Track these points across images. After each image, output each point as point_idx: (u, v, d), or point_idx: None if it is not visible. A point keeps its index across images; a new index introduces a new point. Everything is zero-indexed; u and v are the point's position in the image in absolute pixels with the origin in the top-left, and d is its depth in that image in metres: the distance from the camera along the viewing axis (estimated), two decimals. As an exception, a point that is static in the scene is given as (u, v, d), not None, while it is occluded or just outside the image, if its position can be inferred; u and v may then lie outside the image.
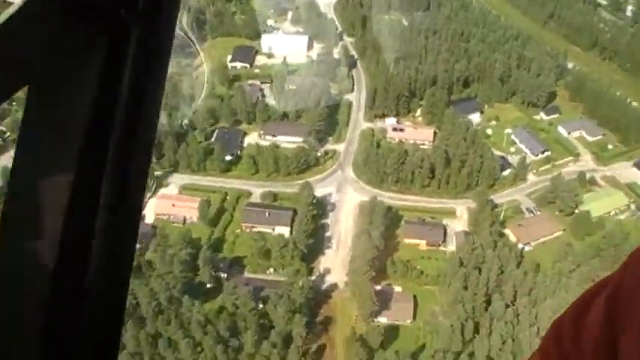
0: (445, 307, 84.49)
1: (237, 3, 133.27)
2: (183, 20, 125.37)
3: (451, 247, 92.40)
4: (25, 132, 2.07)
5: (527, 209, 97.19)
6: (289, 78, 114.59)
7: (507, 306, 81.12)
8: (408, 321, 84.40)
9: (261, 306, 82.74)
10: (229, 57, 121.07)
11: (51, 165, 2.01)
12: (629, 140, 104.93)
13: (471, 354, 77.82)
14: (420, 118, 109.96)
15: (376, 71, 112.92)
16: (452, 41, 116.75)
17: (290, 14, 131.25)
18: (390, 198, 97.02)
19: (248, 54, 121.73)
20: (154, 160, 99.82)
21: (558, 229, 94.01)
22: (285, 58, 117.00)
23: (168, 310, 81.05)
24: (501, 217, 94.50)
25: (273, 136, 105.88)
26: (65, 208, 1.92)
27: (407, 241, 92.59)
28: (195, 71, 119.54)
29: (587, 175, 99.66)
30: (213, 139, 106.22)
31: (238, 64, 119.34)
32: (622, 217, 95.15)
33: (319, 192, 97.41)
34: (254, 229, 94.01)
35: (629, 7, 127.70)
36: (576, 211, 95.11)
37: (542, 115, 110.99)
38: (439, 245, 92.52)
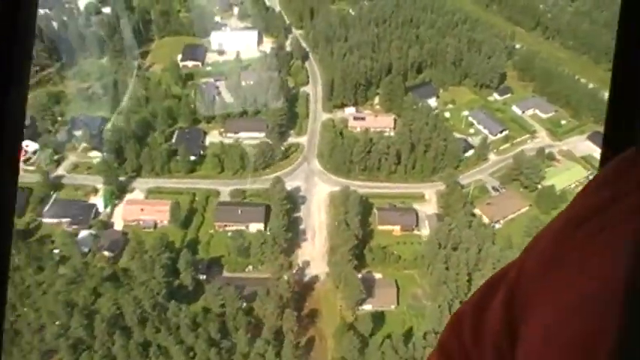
0: (427, 290, 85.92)
1: (182, 1, 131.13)
2: (127, 21, 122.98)
3: (424, 230, 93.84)
4: None
5: (493, 188, 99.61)
6: (243, 74, 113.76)
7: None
8: (393, 306, 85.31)
9: (246, 304, 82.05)
10: (179, 56, 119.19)
11: None
12: (580, 115, 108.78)
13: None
14: (378, 106, 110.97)
15: (331, 62, 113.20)
16: (402, 28, 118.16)
17: (236, 9, 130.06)
18: (358, 187, 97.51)
19: (198, 52, 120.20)
20: (116, 165, 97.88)
21: (524, 204, 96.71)
22: (238, 54, 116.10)
23: (154, 317, 79.48)
24: (469, 198, 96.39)
25: (235, 133, 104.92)
26: None
27: (381, 227, 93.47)
28: (146, 72, 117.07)
29: (546, 151, 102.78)
30: (174, 140, 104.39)
31: (190, 63, 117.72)
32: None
33: (287, 185, 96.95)
34: (227, 228, 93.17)
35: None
36: (539, 186, 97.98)
37: (496, 96, 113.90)
38: (413, 230, 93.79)
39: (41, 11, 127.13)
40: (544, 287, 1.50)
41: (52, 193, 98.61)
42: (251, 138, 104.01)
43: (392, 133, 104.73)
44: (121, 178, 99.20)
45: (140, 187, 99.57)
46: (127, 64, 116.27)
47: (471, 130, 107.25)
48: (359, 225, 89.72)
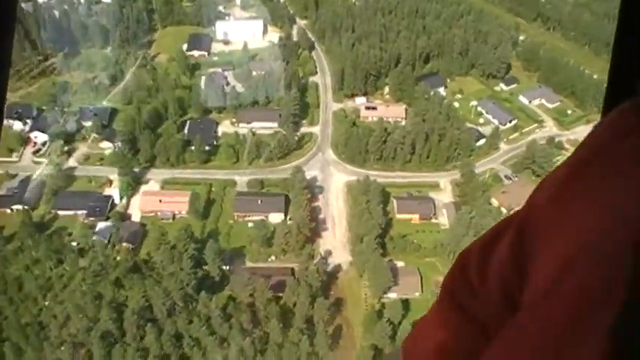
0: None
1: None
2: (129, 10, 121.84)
3: (442, 219, 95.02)
4: None
5: (506, 176, 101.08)
6: (252, 64, 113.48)
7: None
8: (417, 294, 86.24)
9: (274, 294, 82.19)
10: (185, 45, 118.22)
11: None
12: (585, 105, 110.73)
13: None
14: (387, 96, 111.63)
15: (339, 52, 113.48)
16: (409, 18, 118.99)
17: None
18: (374, 176, 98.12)
19: (204, 42, 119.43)
20: (129, 156, 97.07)
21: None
22: (245, 44, 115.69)
23: (184, 309, 79.34)
24: (485, 186, 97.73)
25: (247, 123, 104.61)
26: None
27: (399, 216, 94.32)
28: (151, 62, 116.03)
29: (555, 140, 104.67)
30: (186, 131, 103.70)
31: (196, 53, 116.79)
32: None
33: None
34: (247, 218, 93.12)
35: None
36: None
37: (502, 86, 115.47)
38: (431, 218, 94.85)
39: (40, 0, 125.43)
40: (555, 221, 1.49)
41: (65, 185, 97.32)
42: (264, 128, 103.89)
43: (403, 123, 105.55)
44: (135, 169, 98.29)
45: (155, 178, 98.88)
46: (133, 54, 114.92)
47: (481, 120, 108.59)
48: (376, 214, 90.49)
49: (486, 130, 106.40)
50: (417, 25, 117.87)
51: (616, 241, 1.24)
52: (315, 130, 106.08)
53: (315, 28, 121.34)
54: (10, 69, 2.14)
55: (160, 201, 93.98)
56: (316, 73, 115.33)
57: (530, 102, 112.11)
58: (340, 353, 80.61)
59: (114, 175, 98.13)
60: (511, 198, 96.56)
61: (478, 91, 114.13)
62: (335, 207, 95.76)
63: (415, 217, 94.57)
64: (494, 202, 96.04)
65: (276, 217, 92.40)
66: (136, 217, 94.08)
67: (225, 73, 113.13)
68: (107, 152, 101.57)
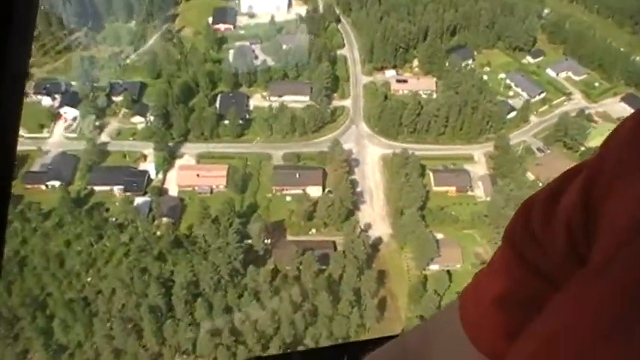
0: (489, 249, 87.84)
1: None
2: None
3: (478, 191, 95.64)
4: None
5: (538, 149, 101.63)
6: (279, 37, 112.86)
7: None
8: (458, 265, 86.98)
9: (320, 267, 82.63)
10: (210, 19, 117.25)
11: None
12: (611, 77, 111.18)
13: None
14: (417, 69, 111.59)
15: (366, 25, 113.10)
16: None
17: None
18: (409, 149, 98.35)
19: (229, 15, 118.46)
20: (163, 130, 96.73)
21: (571, 165, 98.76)
22: (272, 17, 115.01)
23: (231, 283, 79.69)
24: (519, 159, 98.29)
25: (279, 96, 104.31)
26: None
27: (436, 189, 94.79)
28: (177, 35, 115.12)
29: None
30: (217, 105, 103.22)
31: (221, 26, 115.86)
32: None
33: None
34: (285, 192, 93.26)
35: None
36: (582, 147, 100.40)
37: (529, 59, 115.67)
38: (467, 190, 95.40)
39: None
40: (628, 170, 1.41)
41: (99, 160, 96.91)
42: (296, 101, 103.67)
43: (434, 96, 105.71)
44: (169, 144, 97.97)
45: (190, 153, 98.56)
46: (158, 28, 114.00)
47: (510, 93, 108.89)
48: (414, 186, 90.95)
49: (516, 102, 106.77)
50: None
51: None
52: (347, 103, 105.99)
53: (341, 1, 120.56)
54: (32, 46, 2.07)
55: (198, 175, 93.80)
56: (344, 46, 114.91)
57: (557, 74, 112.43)
58: (386, 324, 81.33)
59: (148, 150, 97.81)
60: (545, 170, 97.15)
61: (505, 63, 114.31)
62: (372, 180, 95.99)
63: (452, 190, 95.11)
64: (529, 174, 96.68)
65: (314, 191, 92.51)
66: (173, 191, 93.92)
67: (253, 46, 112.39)
68: (139, 127, 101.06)
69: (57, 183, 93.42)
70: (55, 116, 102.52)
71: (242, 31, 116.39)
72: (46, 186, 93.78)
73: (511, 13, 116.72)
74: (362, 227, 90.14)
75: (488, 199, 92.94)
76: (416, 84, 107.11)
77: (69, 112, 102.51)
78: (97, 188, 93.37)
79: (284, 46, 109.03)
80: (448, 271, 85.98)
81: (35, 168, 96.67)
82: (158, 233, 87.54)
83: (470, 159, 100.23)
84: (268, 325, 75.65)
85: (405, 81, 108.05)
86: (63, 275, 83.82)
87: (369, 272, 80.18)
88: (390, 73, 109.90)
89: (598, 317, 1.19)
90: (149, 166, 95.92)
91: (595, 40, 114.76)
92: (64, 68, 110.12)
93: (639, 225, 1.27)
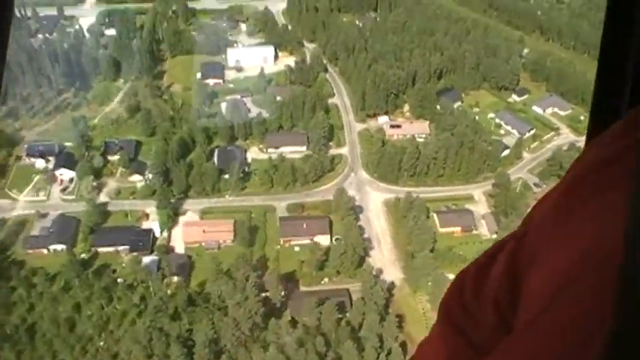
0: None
1: (186, 20, 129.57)
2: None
3: (482, 230, 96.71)
4: None
5: (535, 184, 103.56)
6: (270, 89, 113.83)
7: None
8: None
9: (340, 315, 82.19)
10: (199, 74, 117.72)
11: None
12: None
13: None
14: (408, 113, 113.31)
15: (356, 73, 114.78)
16: (419, 37, 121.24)
17: (244, 26, 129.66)
18: (411, 192, 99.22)
19: (217, 69, 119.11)
20: (164, 187, 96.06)
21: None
22: (262, 70, 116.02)
23: (251, 338, 78.70)
24: (519, 195, 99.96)
25: (276, 148, 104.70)
26: None
27: (442, 230, 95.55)
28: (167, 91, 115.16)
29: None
30: (215, 159, 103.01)
31: (210, 81, 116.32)
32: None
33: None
34: (292, 242, 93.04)
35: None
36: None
37: (515, 97, 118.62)
38: (472, 230, 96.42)
39: (40, 36, 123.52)
40: (550, 237, 1.52)
41: (100, 221, 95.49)
42: (293, 152, 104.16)
43: (428, 138, 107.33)
44: (171, 201, 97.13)
45: (192, 209, 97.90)
46: (148, 85, 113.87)
47: (501, 131, 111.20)
48: (420, 229, 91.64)
49: (507, 140, 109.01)
50: (428, 42, 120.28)
51: (595, 267, 1.25)
52: (344, 151, 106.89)
53: (327, 51, 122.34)
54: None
55: (204, 231, 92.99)
56: (334, 95, 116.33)
57: (544, 111, 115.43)
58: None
59: (150, 208, 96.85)
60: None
61: (492, 103, 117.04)
62: (377, 225, 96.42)
63: (457, 230, 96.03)
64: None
65: (321, 240, 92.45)
66: (179, 248, 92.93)
67: (244, 99, 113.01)
68: (139, 185, 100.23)
69: (59, 246, 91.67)
70: (51, 178, 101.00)
71: (231, 85, 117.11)
72: (48, 250, 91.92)
73: (494, 54, 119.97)
74: (373, 273, 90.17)
75: (494, 236, 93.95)
76: (409, 128, 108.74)
77: (65, 174, 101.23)
78: (101, 249, 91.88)
79: (278, 98, 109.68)
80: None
81: (35, 232, 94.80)
82: (169, 292, 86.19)
83: (470, 199, 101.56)
84: (297, 379, 74.74)
85: (398, 126, 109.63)
86: (75, 340, 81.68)
87: (390, 317, 79.91)
88: (383, 119, 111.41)
89: None
90: (153, 224, 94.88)
91: (576, 75, 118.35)
92: (55, 130, 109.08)
93: (557, 292, 1.34)
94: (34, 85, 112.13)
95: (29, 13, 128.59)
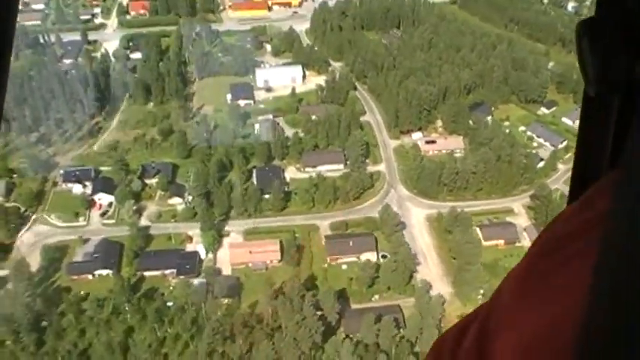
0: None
1: (211, 42, 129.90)
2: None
3: (525, 242, 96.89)
4: None
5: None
6: (303, 108, 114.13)
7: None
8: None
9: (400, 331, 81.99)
10: (229, 95, 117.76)
11: None
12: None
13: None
14: (440, 129, 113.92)
15: (387, 90, 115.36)
16: (447, 53, 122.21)
17: (269, 46, 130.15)
18: (451, 207, 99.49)
19: (247, 90, 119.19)
20: (206, 209, 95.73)
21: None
22: (293, 89, 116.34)
23: (314, 357, 78.36)
24: (559, 207, 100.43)
25: (313, 167, 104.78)
26: None
27: (485, 243, 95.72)
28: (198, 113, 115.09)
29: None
30: (255, 180, 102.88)
31: (241, 102, 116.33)
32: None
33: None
34: (339, 261, 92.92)
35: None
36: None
37: (544, 110, 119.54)
38: (515, 242, 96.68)
39: (66, 61, 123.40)
40: (513, 312, 1.57)
41: (144, 245, 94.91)
42: (330, 170, 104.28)
43: (462, 153, 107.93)
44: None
45: (235, 230, 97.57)
46: (180, 108, 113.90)
47: (534, 144, 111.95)
48: (465, 244, 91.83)
49: (541, 153, 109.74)
50: (456, 58, 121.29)
51: (560, 339, 1.28)
52: (381, 167, 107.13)
53: (354, 69, 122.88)
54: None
55: (250, 252, 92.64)
56: (365, 112, 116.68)
57: (573, 122, 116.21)
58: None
59: (192, 231, 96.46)
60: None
61: (522, 116, 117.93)
62: (421, 241, 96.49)
63: (500, 243, 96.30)
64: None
65: (368, 257, 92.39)
66: (226, 270, 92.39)
67: (277, 119, 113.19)
68: (179, 208, 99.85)
69: (104, 272, 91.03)
70: (90, 203, 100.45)
71: (262, 105, 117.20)
72: (93, 275, 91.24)
73: (521, 68, 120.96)
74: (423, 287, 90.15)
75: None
76: (444, 144, 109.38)
77: (103, 198, 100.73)
78: (147, 273, 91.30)
79: (313, 117, 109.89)
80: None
81: (78, 258, 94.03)
82: (219, 314, 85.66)
83: (510, 211, 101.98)
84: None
85: (433, 142, 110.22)
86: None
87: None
88: (417, 135, 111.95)
89: None
90: (198, 246, 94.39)
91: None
92: (89, 155, 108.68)
93: (519, 357, 1.41)
94: (65, 109, 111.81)
95: (53, 39, 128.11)
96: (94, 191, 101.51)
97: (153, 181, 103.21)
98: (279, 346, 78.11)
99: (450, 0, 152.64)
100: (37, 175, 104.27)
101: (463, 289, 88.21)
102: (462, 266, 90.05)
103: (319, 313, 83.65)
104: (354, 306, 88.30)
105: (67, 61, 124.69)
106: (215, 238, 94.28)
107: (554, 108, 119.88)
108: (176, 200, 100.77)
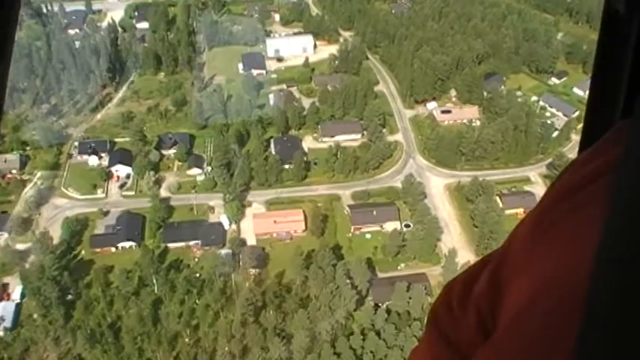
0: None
1: (217, 11, 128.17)
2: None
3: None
4: None
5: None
6: (317, 78, 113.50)
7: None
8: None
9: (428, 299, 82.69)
10: (240, 65, 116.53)
11: None
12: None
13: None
14: (455, 99, 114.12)
15: (401, 60, 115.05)
16: (458, 22, 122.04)
17: (277, 16, 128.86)
18: (470, 177, 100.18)
19: (258, 60, 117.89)
20: (227, 180, 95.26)
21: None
22: (307, 59, 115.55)
23: (343, 326, 79.00)
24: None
25: (331, 137, 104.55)
26: None
27: (507, 212, 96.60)
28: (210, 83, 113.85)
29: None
30: (273, 150, 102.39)
31: (254, 72, 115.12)
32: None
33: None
34: (362, 230, 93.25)
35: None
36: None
37: (555, 80, 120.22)
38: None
39: (72, 31, 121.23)
40: (526, 257, 1.58)
41: (166, 216, 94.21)
42: (348, 140, 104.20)
43: (478, 123, 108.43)
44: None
45: (257, 200, 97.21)
46: (194, 78, 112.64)
47: (547, 114, 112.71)
48: (487, 212, 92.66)
49: (554, 122, 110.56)
50: (467, 28, 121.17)
51: (568, 285, 1.28)
52: (398, 137, 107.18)
53: (366, 39, 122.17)
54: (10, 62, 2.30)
55: (275, 222, 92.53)
56: (378, 82, 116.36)
57: (585, 92, 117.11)
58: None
59: (213, 202, 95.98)
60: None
61: (534, 86, 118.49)
62: (442, 210, 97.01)
63: (520, 211, 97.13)
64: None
65: (391, 226, 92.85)
66: (250, 240, 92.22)
67: (291, 89, 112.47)
68: (198, 179, 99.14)
69: (127, 244, 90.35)
70: (107, 175, 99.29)
71: (274, 75, 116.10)
72: (116, 248, 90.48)
73: (532, 38, 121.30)
74: (446, 256, 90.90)
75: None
76: (460, 113, 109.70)
77: (121, 170, 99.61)
78: (171, 245, 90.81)
79: (329, 87, 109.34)
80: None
81: (99, 230, 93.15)
82: (247, 285, 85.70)
83: (526, 180, 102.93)
84: (400, 364, 75.22)
85: (449, 111, 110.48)
86: (162, 336, 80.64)
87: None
88: (432, 105, 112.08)
89: None
90: (221, 217, 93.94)
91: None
92: (102, 126, 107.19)
93: (517, 314, 1.44)
94: (75, 80, 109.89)
95: (56, 9, 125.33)
96: (111, 163, 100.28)
97: (170, 152, 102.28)
98: (314, 315, 78.47)
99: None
100: (51, 147, 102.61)
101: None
102: (485, 234, 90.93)
103: (347, 281, 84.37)
104: (380, 275, 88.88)
105: (72, 32, 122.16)
106: (238, 209, 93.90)
107: (564, 78, 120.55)
108: (195, 171, 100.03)
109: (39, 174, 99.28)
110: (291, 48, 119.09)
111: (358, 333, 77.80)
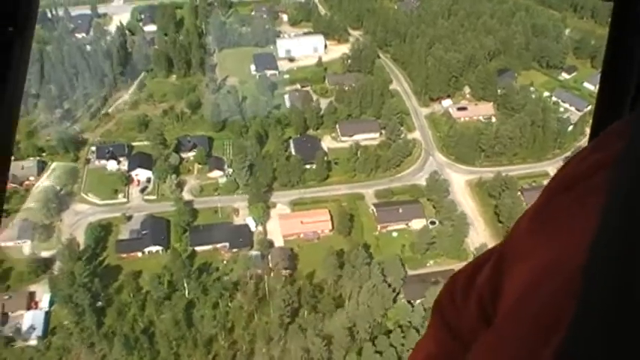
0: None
1: (224, 12, 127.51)
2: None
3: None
4: None
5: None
6: (330, 77, 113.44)
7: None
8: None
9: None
10: (252, 66, 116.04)
11: None
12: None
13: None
14: (469, 96, 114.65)
15: (414, 58, 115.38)
16: (468, 20, 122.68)
17: (285, 16, 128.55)
18: (490, 172, 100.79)
19: (270, 61, 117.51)
20: (250, 181, 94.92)
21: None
22: (320, 59, 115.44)
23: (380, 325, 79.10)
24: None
25: (350, 136, 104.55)
26: None
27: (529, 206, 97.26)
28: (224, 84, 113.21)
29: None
30: (292, 151, 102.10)
31: (267, 72, 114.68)
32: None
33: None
34: (389, 228, 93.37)
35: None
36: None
37: (565, 75, 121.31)
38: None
39: (79, 35, 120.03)
40: (528, 246, 1.59)
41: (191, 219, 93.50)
42: (366, 139, 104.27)
43: (494, 119, 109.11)
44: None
45: (281, 201, 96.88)
46: (207, 81, 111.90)
47: (561, 109, 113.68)
48: (512, 207, 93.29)
49: (569, 117, 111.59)
50: (477, 25, 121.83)
51: (569, 270, 1.27)
52: (416, 135, 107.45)
53: (376, 38, 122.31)
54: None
55: (302, 222, 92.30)
56: (391, 80, 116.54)
57: (595, 87, 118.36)
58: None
59: (237, 203, 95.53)
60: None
61: (545, 82, 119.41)
62: (466, 206, 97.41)
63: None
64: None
65: (417, 224, 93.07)
66: (278, 242, 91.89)
67: (306, 89, 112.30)
68: (220, 181, 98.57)
69: (154, 248, 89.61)
70: (128, 179, 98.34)
71: (287, 76, 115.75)
72: (143, 252, 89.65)
73: (542, 34, 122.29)
74: (475, 252, 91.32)
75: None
76: (475, 110, 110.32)
77: (141, 174, 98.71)
78: (198, 248, 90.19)
79: (345, 87, 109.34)
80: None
81: (123, 236, 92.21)
82: (278, 287, 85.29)
83: (545, 175, 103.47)
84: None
85: (464, 108, 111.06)
86: (198, 339, 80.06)
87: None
88: (447, 102, 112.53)
89: None
90: (247, 219, 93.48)
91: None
92: (118, 130, 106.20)
93: (516, 300, 1.47)
94: (87, 84, 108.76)
95: (61, 13, 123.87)
96: (131, 167, 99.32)
97: (189, 155, 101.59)
98: (353, 314, 78.40)
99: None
100: (68, 152, 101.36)
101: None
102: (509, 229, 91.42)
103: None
104: (410, 272, 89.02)
105: (79, 36, 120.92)
106: (264, 210, 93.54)
107: (574, 73, 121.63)
108: (216, 173, 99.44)
109: (53, 165, 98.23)
110: (302, 48, 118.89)
111: (398, 331, 77.66)
